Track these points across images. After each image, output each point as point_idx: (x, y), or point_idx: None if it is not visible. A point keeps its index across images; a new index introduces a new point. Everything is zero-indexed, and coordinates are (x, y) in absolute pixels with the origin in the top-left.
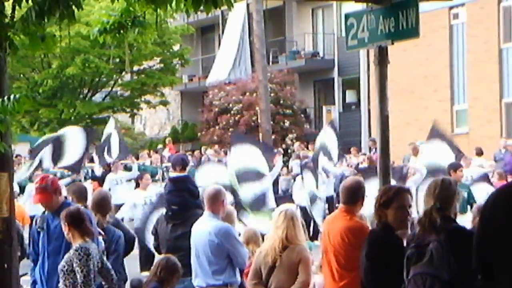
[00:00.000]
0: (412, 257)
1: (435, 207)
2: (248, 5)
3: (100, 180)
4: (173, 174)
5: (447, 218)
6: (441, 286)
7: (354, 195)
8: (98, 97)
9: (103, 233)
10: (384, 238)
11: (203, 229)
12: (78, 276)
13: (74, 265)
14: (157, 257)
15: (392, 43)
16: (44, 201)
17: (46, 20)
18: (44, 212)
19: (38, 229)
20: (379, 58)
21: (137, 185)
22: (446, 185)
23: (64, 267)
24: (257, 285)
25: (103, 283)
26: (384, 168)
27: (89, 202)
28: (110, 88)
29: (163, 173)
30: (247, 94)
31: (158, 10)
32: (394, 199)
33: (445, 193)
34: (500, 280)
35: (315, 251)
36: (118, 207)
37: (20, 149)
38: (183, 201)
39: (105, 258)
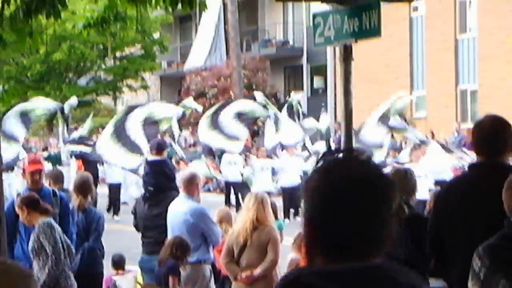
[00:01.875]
0: None
1: (403, 200)
2: None
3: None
4: (150, 157)
5: (409, 207)
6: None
7: None
8: (83, 81)
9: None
10: None
11: (179, 209)
12: (47, 249)
13: (41, 240)
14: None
15: (356, 41)
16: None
17: (33, 18)
18: (19, 195)
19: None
20: (344, 56)
21: None
22: (408, 177)
23: (33, 245)
24: (230, 263)
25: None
26: None
27: (71, 184)
28: (94, 73)
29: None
30: (222, 79)
31: (139, 6)
32: None
33: (408, 185)
34: (452, 263)
35: (290, 229)
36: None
37: None
38: (158, 183)
39: (64, 236)
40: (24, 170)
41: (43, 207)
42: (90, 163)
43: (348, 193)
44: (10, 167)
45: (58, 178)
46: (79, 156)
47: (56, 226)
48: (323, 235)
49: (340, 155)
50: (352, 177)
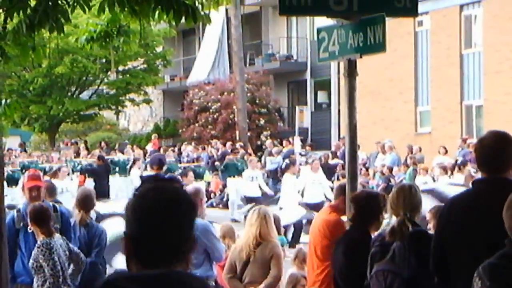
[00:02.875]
0: (376, 255)
1: (406, 217)
2: (226, 10)
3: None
4: (147, 173)
5: (413, 223)
6: (401, 283)
7: (337, 193)
8: (85, 95)
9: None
10: (360, 237)
11: None
12: (45, 270)
13: (40, 261)
14: None
15: (361, 57)
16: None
17: (36, 32)
18: (18, 210)
19: (17, 227)
20: (348, 71)
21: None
22: (413, 193)
23: (33, 264)
24: (232, 279)
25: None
26: (352, 173)
27: (74, 198)
28: (96, 87)
29: (145, 167)
30: (225, 93)
31: (142, 20)
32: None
33: (413, 201)
34: (455, 281)
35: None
36: None
37: (11, 142)
38: None
39: (71, 245)
40: (23, 186)
41: (47, 229)
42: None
43: (157, 213)
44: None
45: (53, 190)
46: (85, 171)
47: (56, 246)
48: (137, 247)
49: (155, 182)
50: (161, 200)
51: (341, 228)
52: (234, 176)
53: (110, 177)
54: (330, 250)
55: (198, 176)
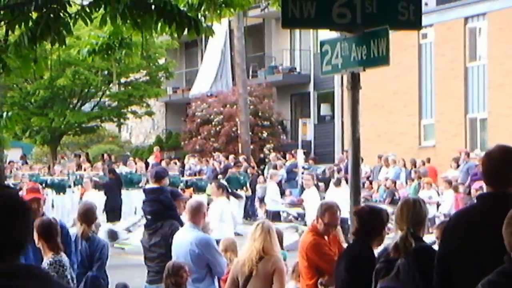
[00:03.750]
0: (380, 271)
1: (410, 232)
2: (229, 22)
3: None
4: (148, 185)
5: (418, 238)
6: None
7: (317, 212)
8: (87, 107)
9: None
10: (362, 252)
11: (185, 239)
12: None
13: None
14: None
15: (364, 70)
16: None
17: (38, 45)
18: None
19: None
20: (351, 84)
21: None
22: (417, 208)
23: None
24: None
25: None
26: (355, 187)
27: (76, 212)
28: (98, 99)
29: (147, 180)
30: (228, 106)
31: (144, 33)
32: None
33: (417, 216)
34: None
35: (288, 260)
36: None
37: (13, 155)
38: (155, 211)
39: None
40: None
41: (54, 244)
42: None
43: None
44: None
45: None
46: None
47: (67, 263)
48: None
49: None
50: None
51: (316, 250)
52: (236, 190)
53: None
54: (309, 270)
55: (200, 189)
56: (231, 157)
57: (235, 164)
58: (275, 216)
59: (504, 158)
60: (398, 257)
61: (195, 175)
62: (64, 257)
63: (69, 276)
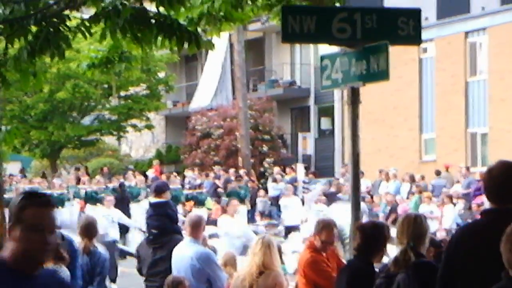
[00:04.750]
0: (380, 286)
1: (410, 246)
2: (230, 36)
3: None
4: (153, 199)
5: (418, 254)
6: None
7: (314, 229)
8: (86, 120)
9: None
10: (363, 268)
11: (185, 253)
12: None
13: None
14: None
15: (364, 85)
16: None
17: (37, 59)
18: None
19: None
20: (351, 99)
21: None
22: (418, 223)
23: None
24: None
25: None
26: (355, 203)
27: (77, 226)
28: (98, 112)
29: (146, 194)
30: (228, 120)
31: (144, 47)
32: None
33: (418, 231)
34: None
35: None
36: None
37: (12, 168)
38: (162, 226)
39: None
40: None
41: (58, 254)
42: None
43: None
44: None
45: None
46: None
47: (67, 276)
48: None
49: None
50: None
51: (314, 267)
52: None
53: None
54: (307, 287)
55: (200, 203)
56: (232, 171)
57: (236, 178)
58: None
59: (507, 174)
60: (398, 271)
61: (194, 188)
62: (64, 269)
63: None
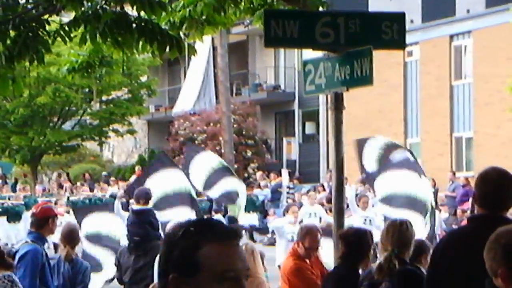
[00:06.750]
0: None
1: (394, 254)
2: (213, 39)
3: None
4: (136, 206)
5: (402, 261)
6: None
7: (298, 236)
8: (67, 125)
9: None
10: (348, 275)
11: None
12: None
13: None
14: None
15: (347, 90)
16: None
17: (16, 63)
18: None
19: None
20: (335, 104)
21: None
22: (403, 230)
23: None
24: None
25: None
26: (338, 209)
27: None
28: (79, 117)
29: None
30: (211, 124)
31: (125, 51)
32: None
33: (403, 238)
34: None
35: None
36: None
37: None
38: (145, 233)
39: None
40: None
41: (7, 261)
42: None
43: None
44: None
45: None
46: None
47: (17, 281)
48: None
49: None
50: None
51: (297, 274)
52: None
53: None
54: None
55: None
56: None
57: None
58: None
59: (500, 181)
60: (382, 279)
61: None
62: (13, 275)
63: None
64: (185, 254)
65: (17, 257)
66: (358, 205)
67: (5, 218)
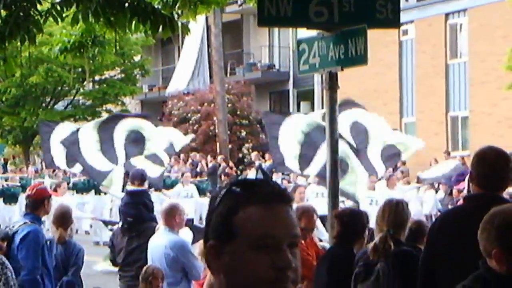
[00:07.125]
0: (360, 275)
1: (389, 234)
2: (206, 18)
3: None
4: (130, 187)
5: (398, 241)
6: None
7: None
8: (60, 106)
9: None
10: (344, 255)
11: (159, 242)
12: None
13: None
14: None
15: (342, 69)
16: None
17: (7, 44)
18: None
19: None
20: (329, 84)
21: None
22: (399, 210)
23: None
24: None
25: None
26: (333, 190)
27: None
28: (72, 97)
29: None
30: (205, 104)
31: (118, 31)
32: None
33: (399, 218)
34: None
35: None
36: None
37: None
38: (138, 214)
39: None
40: None
41: None
42: None
43: None
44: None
45: None
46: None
47: (7, 262)
48: None
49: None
50: None
51: None
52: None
53: None
54: None
55: (202, 192)
56: (210, 157)
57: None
58: None
59: (497, 161)
60: (377, 260)
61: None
62: (3, 257)
63: (8, 273)
64: (222, 219)
65: (17, 238)
66: None
67: (1, 200)
